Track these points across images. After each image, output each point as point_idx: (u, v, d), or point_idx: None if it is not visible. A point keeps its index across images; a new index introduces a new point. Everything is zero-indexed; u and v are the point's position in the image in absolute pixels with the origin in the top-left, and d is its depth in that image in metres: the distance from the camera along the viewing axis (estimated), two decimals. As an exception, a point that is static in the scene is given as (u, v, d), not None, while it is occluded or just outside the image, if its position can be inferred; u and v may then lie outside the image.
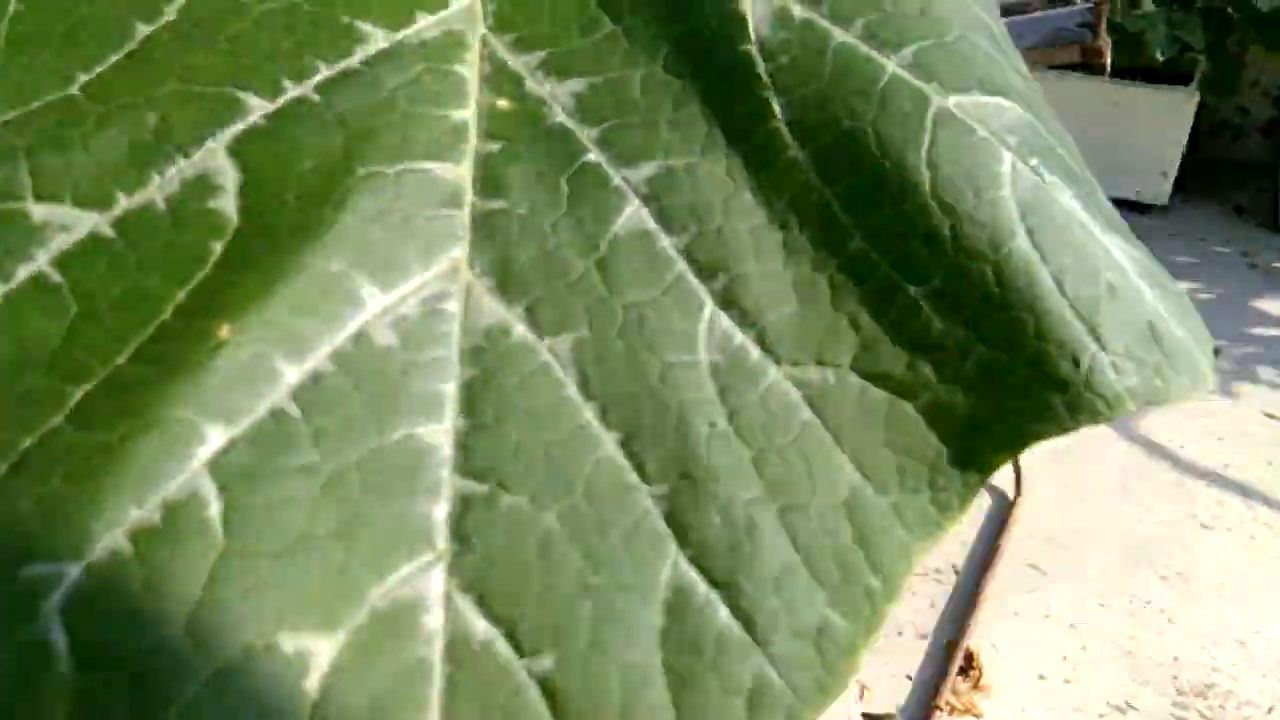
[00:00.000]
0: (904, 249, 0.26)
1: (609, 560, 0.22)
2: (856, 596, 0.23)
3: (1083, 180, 0.28)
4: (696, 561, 0.23)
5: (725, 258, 0.26)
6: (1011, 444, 0.25)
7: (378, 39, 0.28)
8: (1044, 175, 0.26)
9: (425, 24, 0.28)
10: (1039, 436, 0.25)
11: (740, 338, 0.26)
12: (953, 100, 0.27)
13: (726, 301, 0.26)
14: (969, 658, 1.67)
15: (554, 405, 0.23)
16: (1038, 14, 1.10)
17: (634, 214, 0.26)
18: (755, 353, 0.26)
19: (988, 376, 0.25)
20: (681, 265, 0.26)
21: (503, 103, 0.27)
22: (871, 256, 0.26)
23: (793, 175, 0.27)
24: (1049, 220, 0.26)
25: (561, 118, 0.27)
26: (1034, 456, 2.27)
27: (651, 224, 0.26)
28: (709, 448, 0.24)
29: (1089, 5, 1.10)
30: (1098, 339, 0.25)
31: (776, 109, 0.27)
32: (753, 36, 0.28)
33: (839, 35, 0.27)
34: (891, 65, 0.27)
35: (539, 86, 0.28)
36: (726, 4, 0.28)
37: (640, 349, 0.25)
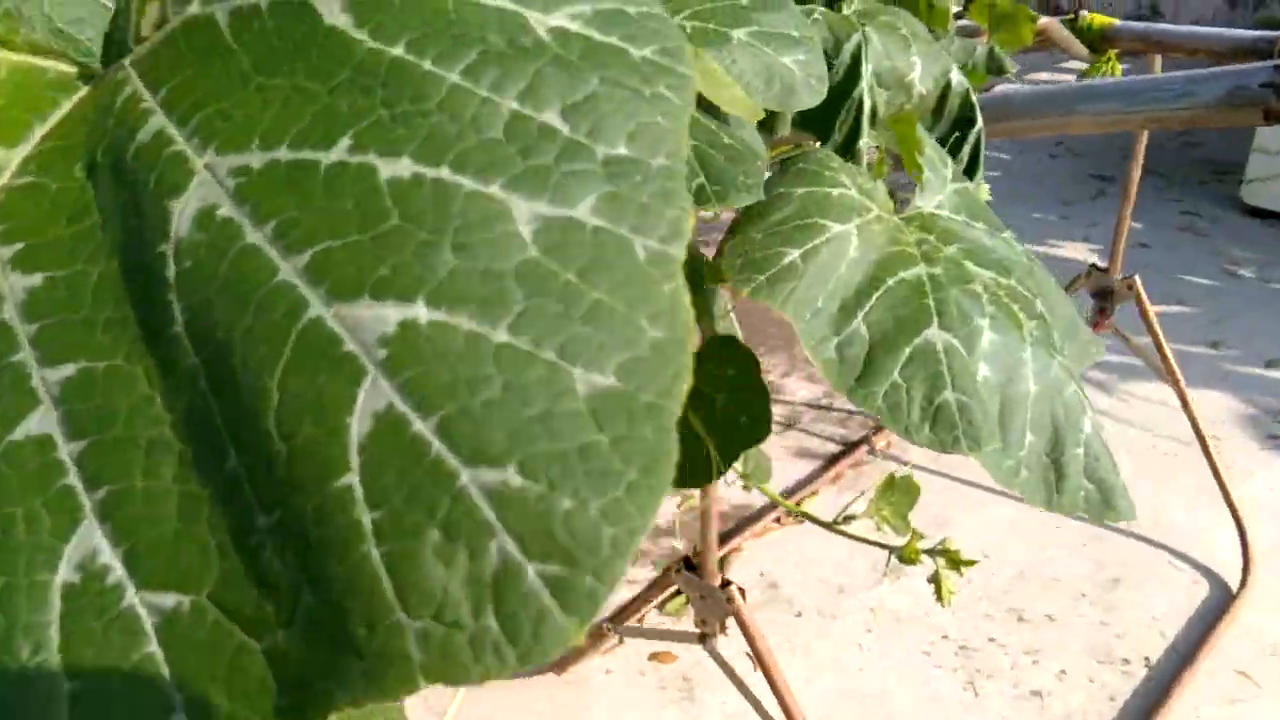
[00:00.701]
0: (263, 476, 0.24)
1: None
2: None
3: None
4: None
5: (113, 469, 0.26)
6: (324, 706, 0.23)
7: None
8: (410, 402, 0.24)
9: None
10: (348, 702, 0.23)
11: (107, 556, 0.25)
12: (334, 309, 0.24)
13: (104, 515, 0.26)
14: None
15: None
16: (1216, 69, 0.95)
17: (40, 418, 0.26)
18: (117, 573, 0.25)
19: (315, 627, 0.23)
20: (72, 474, 0.26)
21: (-38, 298, 0.28)
22: (240, 480, 0.25)
23: (191, 384, 0.26)
24: (393, 451, 0.23)
25: (7, 314, 0.28)
26: (1277, 542, 1.99)
27: (54, 428, 0.26)
28: (28, 677, 0.24)
29: (1276, 64, 0.94)
30: (404, 602, 0.22)
31: (177, 314, 0.26)
32: (171, 237, 0.27)
33: (249, 235, 0.26)
34: (284, 269, 0.25)
35: (3, 280, 0.28)
36: (160, 201, 0.27)
37: (-5, 566, 0.25)
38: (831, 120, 0.84)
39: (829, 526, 0.93)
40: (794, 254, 0.53)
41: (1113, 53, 1.47)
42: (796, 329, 0.51)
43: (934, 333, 0.51)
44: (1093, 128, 0.95)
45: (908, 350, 0.50)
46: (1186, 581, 1.93)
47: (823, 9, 0.87)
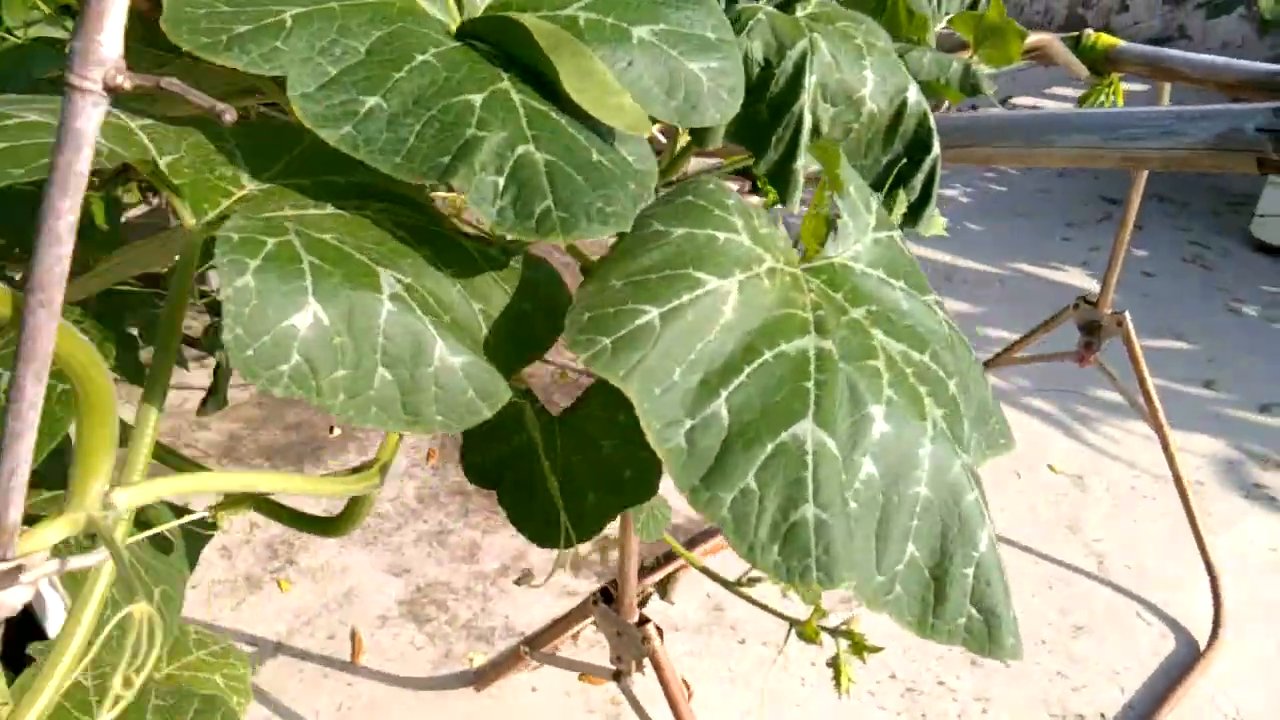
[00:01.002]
0: None
1: None
2: None
3: None
4: None
5: None
6: None
7: None
8: None
9: None
10: None
11: None
12: None
13: None
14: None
15: None
16: (1209, 106, 0.83)
17: None
18: None
19: None
20: None
21: None
22: None
23: None
24: None
25: None
26: (1252, 599, 1.90)
27: None
28: None
29: (1274, 107, 0.83)
30: None
31: None
32: None
33: None
34: None
35: None
36: None
37: None
38: (767, 136, 0.74)
39: (729, 585, 0.84)
40: (653, 313, 0.43)
41: (1115, 77, 1.36)
42: (639, 410, 0.41)
43: (805, 427, 0.41)
44: (1064, 161, 0.84)
45: (770, 447, 0.40)
46: (1154, 635, 1.84)
47: (770, 9, 0.76)
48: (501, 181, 0.45)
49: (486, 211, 0.44)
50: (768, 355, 0.44)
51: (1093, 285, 3.05)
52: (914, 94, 0.77)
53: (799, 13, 0.80)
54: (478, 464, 0.69)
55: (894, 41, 0.91)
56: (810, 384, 0.43)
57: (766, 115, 0.74)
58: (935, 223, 0.80)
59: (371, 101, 0.47)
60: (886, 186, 0.79)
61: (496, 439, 0.68)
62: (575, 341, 0.43)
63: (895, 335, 0.50)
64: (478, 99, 0.48)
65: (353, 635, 1.74)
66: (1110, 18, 5.61)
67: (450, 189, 0.48)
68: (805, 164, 0.74)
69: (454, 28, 0.55)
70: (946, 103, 1.00)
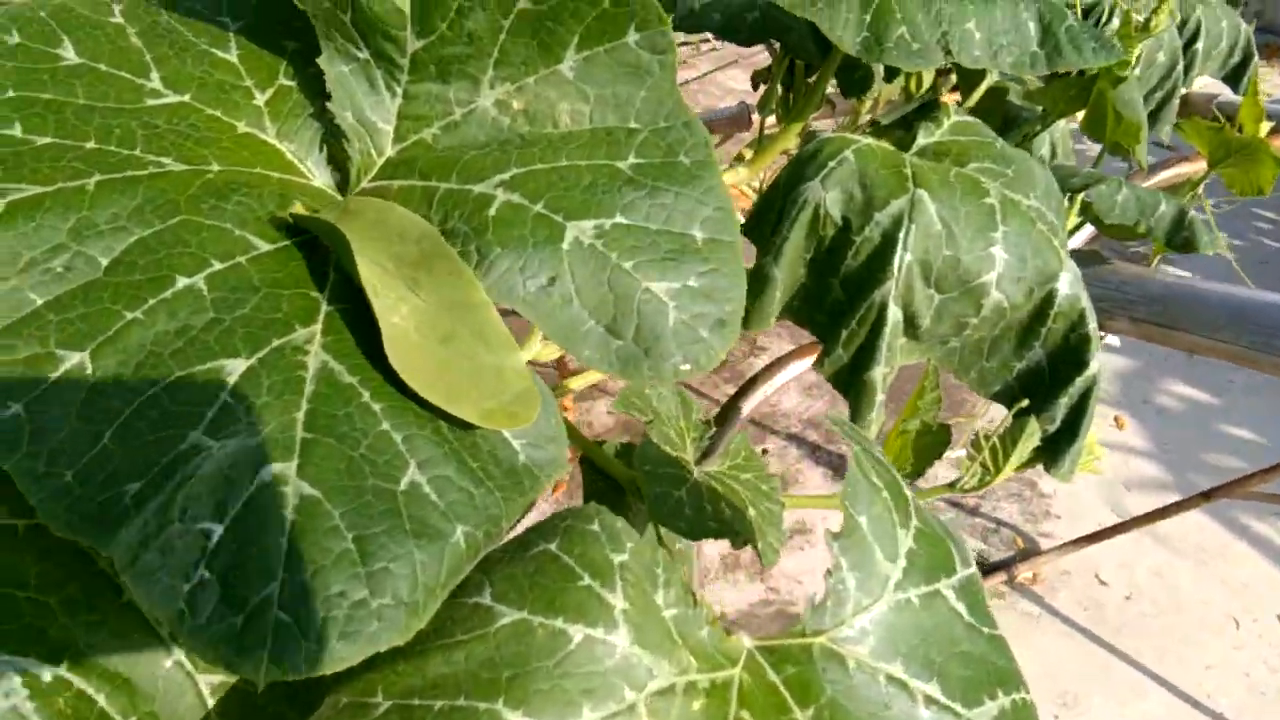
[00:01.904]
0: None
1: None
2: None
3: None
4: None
5: None
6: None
7: None
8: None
9: None
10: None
11: None
12: None
13: None
14: None
15: None
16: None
17: None
18: None
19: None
20: None
21: None
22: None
23: None
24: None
25: None
26: None
27: None
28: None
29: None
30: None
31: None
32: None
33: None
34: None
35: None
36: None
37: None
38: (838, 325, 0.52)
39: None
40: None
41: None
42: None
43: None
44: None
45: None
46: None
47: (867, 143, 0.54)
48: (207, 548, 0.27)
49: (166, 609, 0.26)
50: None
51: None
52: (1066, 285, 0.52)
53: (916, 144, 0.56)
54: None
55: (1069, 162, 0.65)
56: None
57: (841, 294, 0.52)
58: (1087, 463, 0.54)
59: (71, 360, 0.30)
60: (1015, 407, 0.55)
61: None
62: None
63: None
64: (238, 366, 0.30)
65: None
66: None
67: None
68: (886, 374, 0.51)
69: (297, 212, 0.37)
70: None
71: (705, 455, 0.56)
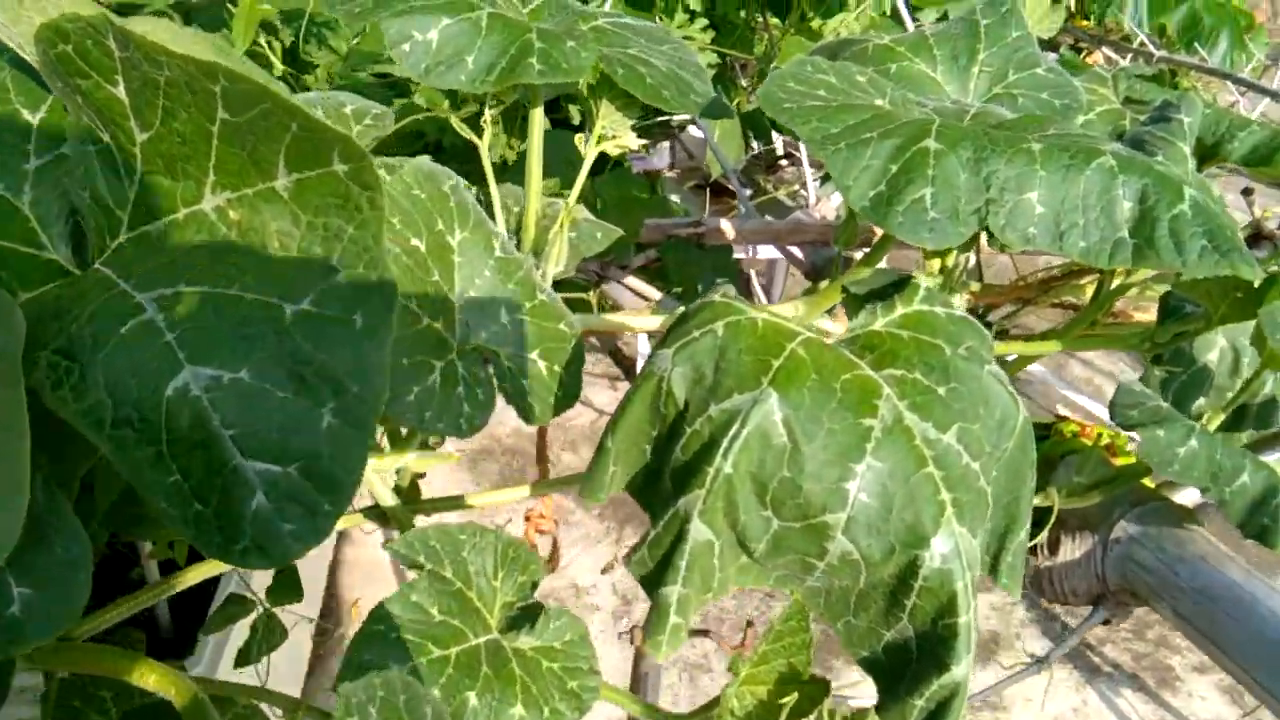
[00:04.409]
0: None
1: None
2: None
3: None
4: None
5: None
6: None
7: None
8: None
9: None
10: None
11: None
12: None
13: None
14: None
15: None
16: None
17: None
18: None
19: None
20: None
21: None
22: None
23: None
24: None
25: None
26: None
27: None
28: None
29: None
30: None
31: None
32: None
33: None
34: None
35: None
36: None
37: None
38: (655, 522, 0.43)
39: None
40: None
41: None
42: None
43: None
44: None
45: None
46: None
47: (753, 315, 0.44)
48: None
49: None
50: None
51: None
52: (939, 557, 0.39)
53: (853, 327, 0.46)
54: None
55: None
56: None
57: (670, 488, 0.44)
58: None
59: None
60: (887, 681, 0.42)
61: None
62: None
63: None
64: None
65: None
66: None
67: None
68: (686, 596, 0.42)
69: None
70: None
71: (513, 625, 0.49)
